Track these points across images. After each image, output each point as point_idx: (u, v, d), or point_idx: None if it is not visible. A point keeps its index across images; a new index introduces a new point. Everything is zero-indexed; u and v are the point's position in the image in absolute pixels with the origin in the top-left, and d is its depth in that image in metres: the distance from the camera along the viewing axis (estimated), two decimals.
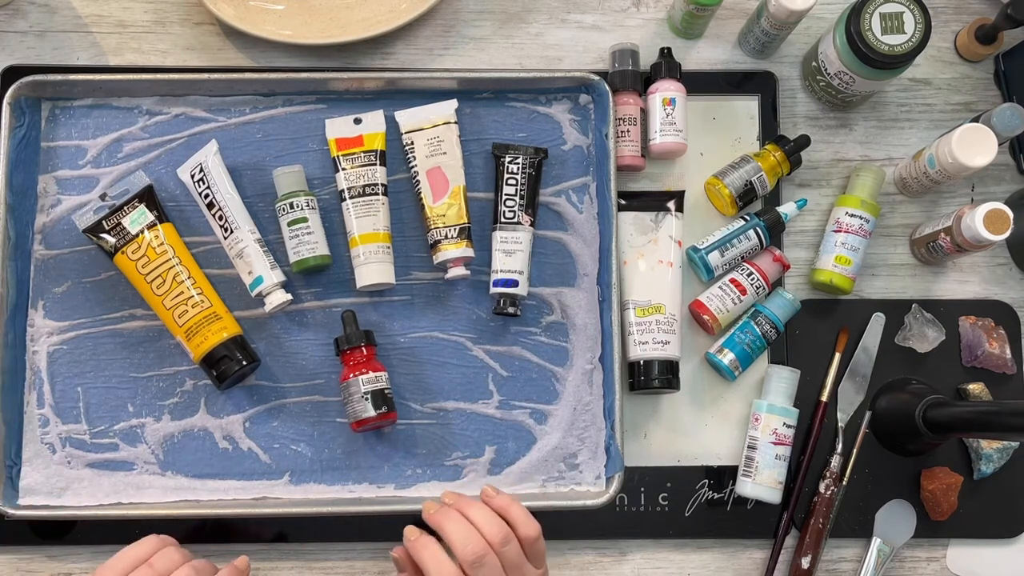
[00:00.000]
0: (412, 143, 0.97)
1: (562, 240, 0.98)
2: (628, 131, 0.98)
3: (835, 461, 0.96)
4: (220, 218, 0.94)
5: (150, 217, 0.94)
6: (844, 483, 0.96)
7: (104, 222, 0.94)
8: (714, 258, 0.97)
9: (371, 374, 0.91)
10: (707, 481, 0.97)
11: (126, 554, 0.77)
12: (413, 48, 1.03)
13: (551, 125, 1.00)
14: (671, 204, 0.99)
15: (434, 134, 0.96)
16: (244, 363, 0.92)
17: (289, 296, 0.94)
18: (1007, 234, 0.91)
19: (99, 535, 0.93)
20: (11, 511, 0.90)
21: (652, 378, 0.94)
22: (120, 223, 0.93)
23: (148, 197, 0.95)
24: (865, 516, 0.97)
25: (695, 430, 0.98)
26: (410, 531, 0.79)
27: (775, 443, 0.94)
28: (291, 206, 0.94)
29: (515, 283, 0.94)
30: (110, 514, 0.91)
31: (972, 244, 0.93)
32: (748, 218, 0.98)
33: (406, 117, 0.97)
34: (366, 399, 0.90)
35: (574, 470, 0.95)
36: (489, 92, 1.00)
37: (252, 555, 0.95)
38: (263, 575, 0.95)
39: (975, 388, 0.98)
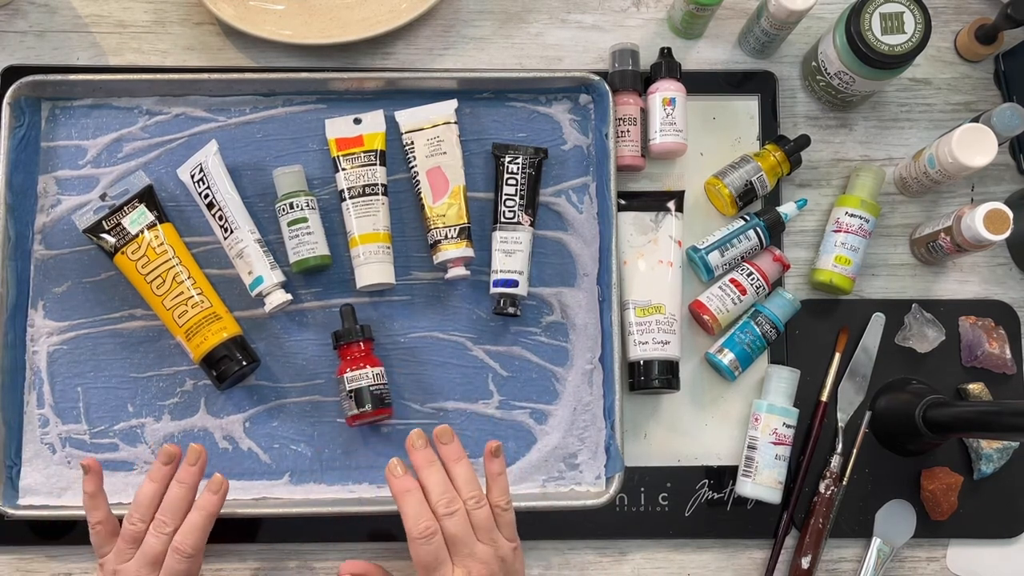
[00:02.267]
0: (412, 143, 0.97)
1: (562, 240, 0.98)
2: (628, 131, 0.98)
3: (835, 461, 0.96)
4: (220, 218, 0.94)
5: (150, 217, 0.94)
6: (844, 483, 0.96)
7: (104, 222, 0.94)
8: (714, 258, 0.97)
9: (360, 371, 0.91)
10: (707, 481, 0.97)
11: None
12: (413, 48, 1.03)
13: (551, 125, 1.00)
14: (671, 204, 0.99)
15: (434, 134, 0.96)
16: (244, 363, 0.92)
17: (289, 296, 0.94)
18: (1007, 234, 0.91)
19: None
20: (11, 511, 0.90)
21: (652, 378, 0.94)
22: (120, 223, 0.93)
23: (148, 197, 0.95)
24: (865, 516, 0.97)
25: (695, 430, 0.98)
26: (394, 464, 0.81)
27: (775, 443, 0.94)
28: (291, 206, 0.94)
29: (515, 283, 0.94)
30: None
31: (972, 244, 0.93)
32: (748, 218, 0.98)
33: (406, 117, 0.97)
34: (351, 396, 0.91)
35: (574, 470, 0.95)
36: (489, 92, 1.00)
37: (252, 555, 0.95)
38: (263, 575, 0.95)
39: (975, 388, 0.98)
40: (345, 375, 0.91)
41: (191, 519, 0.81)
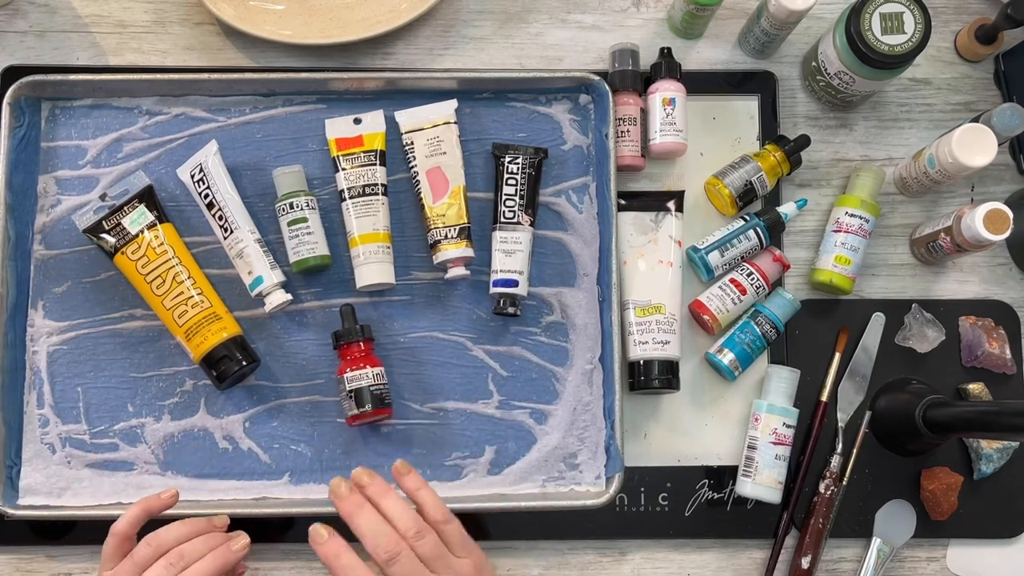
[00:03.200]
0: (412, 143, 0.97)
1: (562, 240, 0.98)
2: (628, 131, 0.98)
3: (835, 461, 0.96)
4: (220, 218, 0.94)
5: (150, 217, 0.94)
6: (844, 483, 0.96)
7: (104, 222, 0.94)
8: (714, 258, 0.97)
9: (360, 371, 0.91)
10: (707, 481, 0.97)
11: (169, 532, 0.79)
12: (413, 48, 1.03)
13: (551, 125, 1.00)
14: (671, 204, 0.99)
15: (434, 134, 0.96)
16: (244, 363, 0.92)
17: (289, 296, 0.94)
18: (1007, 234, 0.91)
19: (99, 535, 0.93)
20: (11, 511, 0.90)
21: (652, 378, 0.94)
22: (120, 223, 0.93)
23: (148, 197, 0.95)
24: (865, 516, 0.97)
25: (695, 430, 0.98)
26: (317, 532, 0.75)
27: (775, 443, 0.94)
28: (291, 206, 0.94)
29: (515, 283, 0.94)
30: (110, 514, 0.91)
31: (972, 244, 0.93)
32: (748, 218, 0.98)
33: (406, 117, 0.97)
34: (351, 396, 0.91)
35: (574, 470, 0.95)
36: (489, 92, 1.00)
37: (252, 555, 0.95)
38: (263, 575, 0.95)
39: (975, 388, 0.98)
40: (345, 375, 0.91)
41: (205, 563, 0.77)
